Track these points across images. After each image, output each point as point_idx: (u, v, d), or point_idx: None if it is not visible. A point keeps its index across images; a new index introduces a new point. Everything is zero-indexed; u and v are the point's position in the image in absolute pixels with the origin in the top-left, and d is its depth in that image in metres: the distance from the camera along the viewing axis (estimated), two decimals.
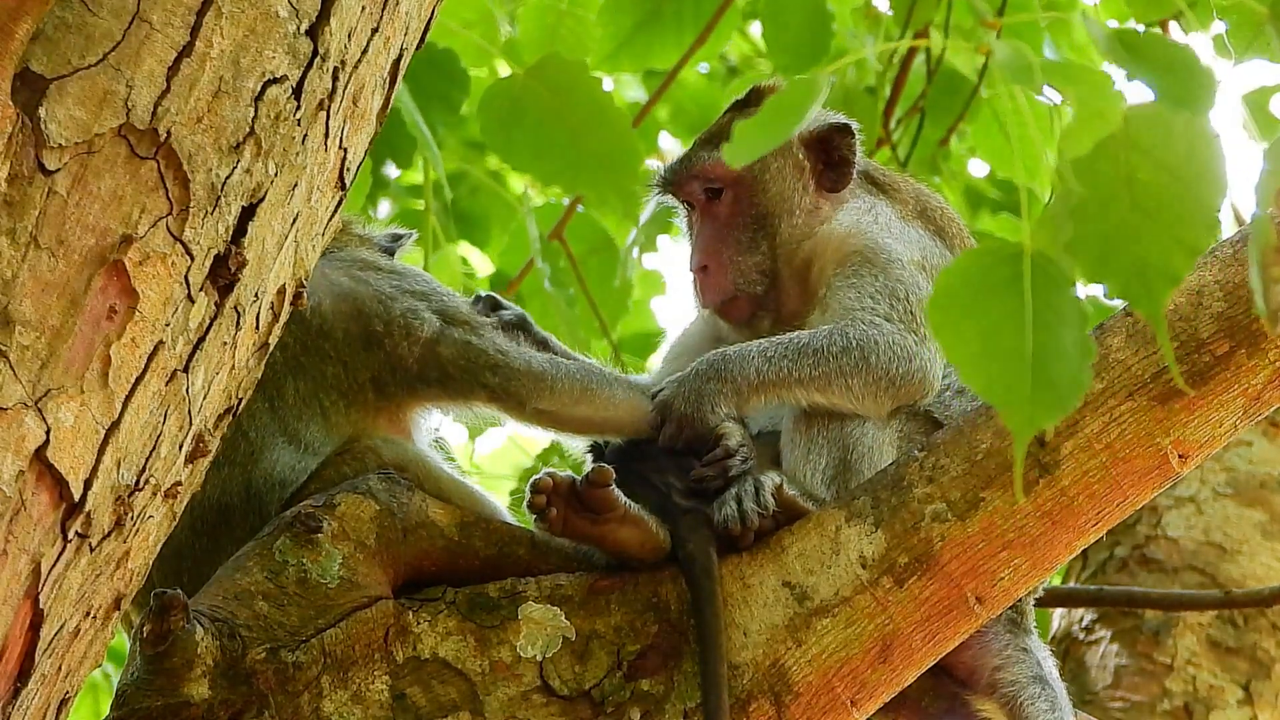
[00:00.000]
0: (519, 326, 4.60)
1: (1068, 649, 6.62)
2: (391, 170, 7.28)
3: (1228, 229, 4.59)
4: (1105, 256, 2.91)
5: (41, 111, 3.20)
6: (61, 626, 3.30)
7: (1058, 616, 6.79)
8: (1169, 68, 2.91)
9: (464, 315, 4.40)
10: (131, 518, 3.34)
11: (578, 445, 4.53)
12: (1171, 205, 2.90)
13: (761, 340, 4.34)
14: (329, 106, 3.50)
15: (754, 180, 4.56)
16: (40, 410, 3.15)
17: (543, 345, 4.59)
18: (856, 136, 4.61)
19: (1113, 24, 7.99)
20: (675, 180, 4.66)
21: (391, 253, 4.68)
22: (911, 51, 7.46)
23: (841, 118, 4.60)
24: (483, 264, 8.22)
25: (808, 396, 4.27)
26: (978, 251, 2.97)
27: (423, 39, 3.74)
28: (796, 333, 4.34)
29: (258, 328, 3.53)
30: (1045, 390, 2.88)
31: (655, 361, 4.87)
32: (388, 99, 3.70)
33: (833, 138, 4.57)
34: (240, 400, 3.59)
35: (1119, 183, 2.90)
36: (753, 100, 4.72)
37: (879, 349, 4.26)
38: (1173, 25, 7.34)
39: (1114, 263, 2.91)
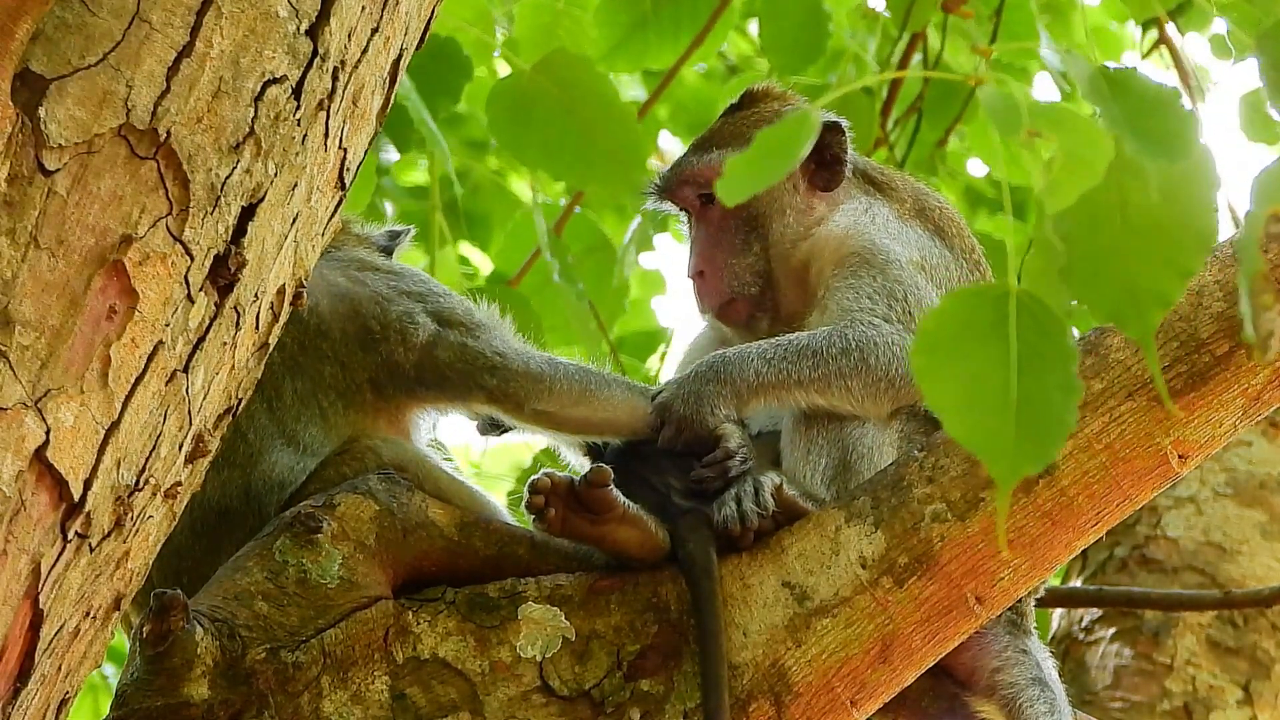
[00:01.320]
0: None
1: (1068, 649, 6.63)
2: (390, 154, 7.29)
3: (1227, 230, 4.59)
4: (1096, 279, 2.89)
5: (41, 111, 3.20)
6: (61, 627, 3.30)
7: (1058, 616, 6.79)
8: (1149, 110, 2.89)
9: (459, 317, 4.40)
10: (131, 518, 3.34)
11: (574, 458, 4.52)
12: (1164, 228, 2.88)
13: (761, 342, 4.33)
14: (329, 106, 3.50)
15: None
16: (40, 410, 3.15)
17: None
18: (847, 134, 4.60)
19: (1113, 25, 7.99)
20: (668, 186, 4.67)
21: (390, 251, 4.68)
22: (909, 52, 7.47)
23: (831, 116, 4.58)
24: (483, 263, 8.22)
25: (807, 398, 4.27)
26: (963, 293, 2.94)
27: (423, 39, 3.74)
28: (795, 334, 4.34)
29: (257, 328, 3.53)
30: (1029, 437, 2.84)
31: (654, 363, 4.86)
32: (388, 99, 3.70)
33: (823, 136, 4.55)
34: (240, 400, 3.59)
35: (1111, 205, 2.88)
36: (746, 103, 4.71)
37: (878, 350, 4.26)
38: (1170, 26, 7.34)
39: (1105, 285, 2.89)
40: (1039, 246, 2.94)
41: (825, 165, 4.57)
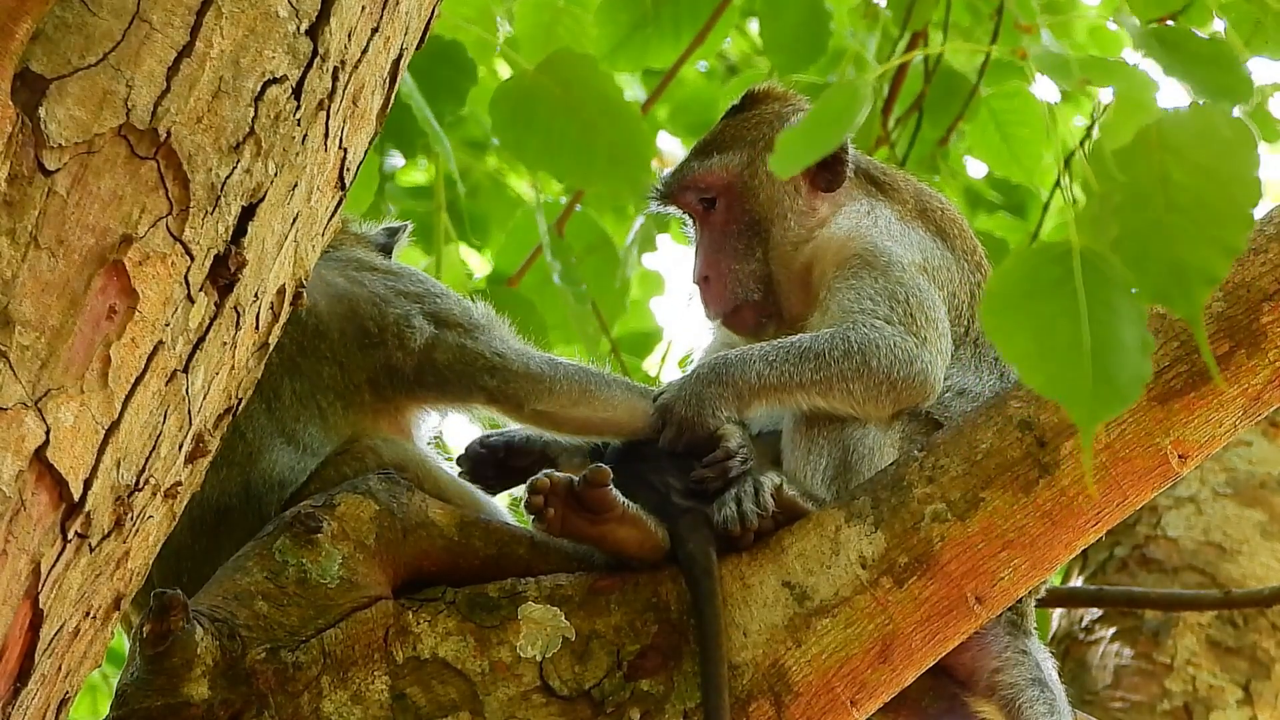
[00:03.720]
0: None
1: (1068, 649, 6.63)
2: (395, 160, 7.28)
3: None
4: (1141, 259, 2.90)
5: (41, 111, 3.20)
6: (61, 627, 3.30)
7: (1058, 616, 6.79)
8: (1204, 62, 2.91)
9: (457, 317, 4.39)
10: (131, 518, 3.34)
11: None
12: (1206, 205, 2.90)
13: (763, 344, 4.33)
14: (329, 106, 3.50)
15: (744, 186, 4.55)
16: (40, 410, 3.15)
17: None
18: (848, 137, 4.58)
19: (1111, 26, 7.98)
20: (670, 191, 4.65)
21: (388, 249, 4.67)
22: (909, 50, 7.46)
23: None
24: (481, 264, 8.22)
25: (809, 401, 4.26)
26: (1026, 252, 2.96)
27: (423, 38, 3.74)
28: (797, 336, 4.33)
29: (257, 328, 3.53)
30: (1106, 383, 2.87)
31: (653, 364, 4.85)
32: (388, 99, 3.70)
33: None
34: (240, 400, 3.59)
35: (1153, 184, 2.89)
36: (747, 105, 4.70)
37: (880, 352, 4.25)
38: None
39: (1150, 265, 2.90)
40: (1084, 220, 2.94)
41: (827, 166, 4.55)
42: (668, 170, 4.73)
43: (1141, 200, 2.89)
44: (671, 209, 4.69)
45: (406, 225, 4.80)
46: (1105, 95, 3.05)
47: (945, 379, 4.33)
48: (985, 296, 2.95)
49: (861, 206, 4.56)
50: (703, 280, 4.59)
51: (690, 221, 4.69)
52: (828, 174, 4.55)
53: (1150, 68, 2.99)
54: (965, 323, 4.47)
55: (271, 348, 3.62)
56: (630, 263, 7.38)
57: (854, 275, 4.39)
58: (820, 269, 4.48)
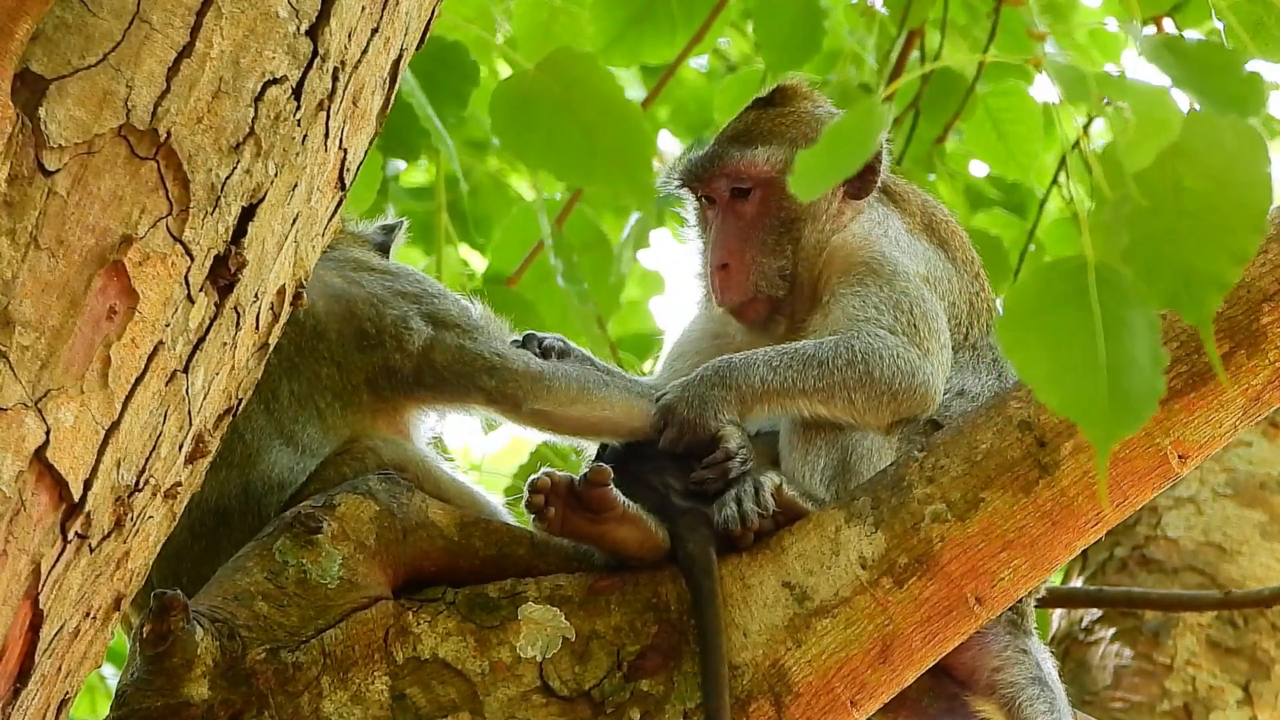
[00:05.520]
0: (561, 352, 4.54)
1: (1068, 649, 6.63)
2: (397, 165, 7.27)
3: None
4: (1152, 265, 2.89)
5: (41, 112, 3.20)
6: (61, 627, 3.30)
7: (1058, 616, 6.79)
8: (1215, 72, 2.90)
9: (455, 318, 4.38)
10: (131, 518, 3.34)
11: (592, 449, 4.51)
12: (1218, 211, 2.88)
13: (766, 349, 4.31)
14: (329, 107, 3.49)
15: (786, 183, 4.51)
16: (40, 410, 3.15)
17: (585, 362, 4.53)
18: (885, 146, 4.56)
19: (1112, 26, 7.99)
20: (704, 175, 4.55)
21: (385, 247, 4.66)
22: (907, 49, 7.47)
23: None
24: (479, 263, 8.21)
25: (810, 408, 4.25)
26: (1041, 268, 2.94)
27: (423, 39, 3.74)
28: (801, 342, 4.32)
29: (258, 328, 3.53)
30: (1122, 401, 2.86)
31: (658, 363, 4.82)
32: (388, 99, 3.69)
33: None
34: (240, 400, 3.59)
35: (1166, 190, 2.88)
36: (780, 100, 4.63)
37: (883, 363, 4.24)
38: (1167, 24, 7.34)
39: (1161, 271, 2.89)
40: (1097, 230, 2.93)
41: (860, 175, 4.51)
42: (698, 153, 4.61)
43: (1154, 207, 2.88)
44: (683, 191, 4.63)
45: (402, 222, 4.79)
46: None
47: (945, 381, 4.33)
48: (1002, 312, 2.93)
49: (876, 215, 4.54)
50: (721, 267, 4.53)
51: (701, 206, 4.63)
52: (859, 183, 4.52)
53: (1153, 73, 2.97)
54: (964, 330, 4.47)
55: (271, 348, 3.62)
56: (624, 259, 7.38)
57: (859, 282, 4.38)
58: (827, 274, 4.46)
